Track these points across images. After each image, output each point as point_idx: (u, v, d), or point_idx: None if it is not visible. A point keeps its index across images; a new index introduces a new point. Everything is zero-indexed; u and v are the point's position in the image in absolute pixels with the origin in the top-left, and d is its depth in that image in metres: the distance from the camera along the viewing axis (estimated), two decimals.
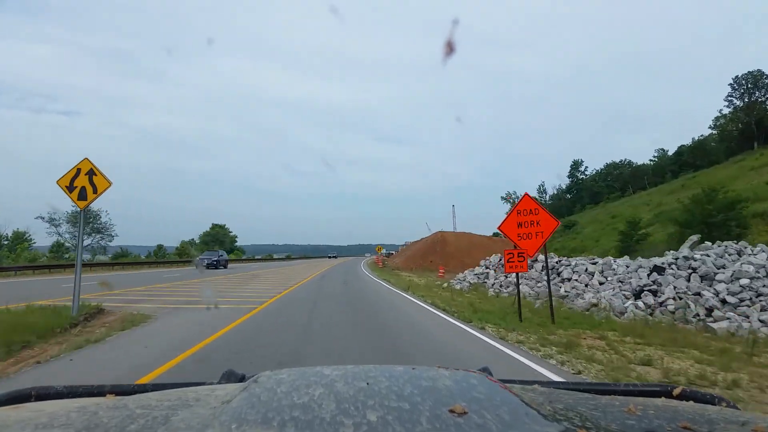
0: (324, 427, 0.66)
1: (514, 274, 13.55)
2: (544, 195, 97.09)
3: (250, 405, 0.76)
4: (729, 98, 65.42)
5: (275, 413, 0.72)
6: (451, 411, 0.72)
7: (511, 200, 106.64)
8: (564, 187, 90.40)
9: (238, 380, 1.12)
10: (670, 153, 79.43)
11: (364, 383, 0.85)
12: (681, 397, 1.02)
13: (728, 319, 8.56)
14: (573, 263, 14.60)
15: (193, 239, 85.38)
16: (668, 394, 1.03)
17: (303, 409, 0.73)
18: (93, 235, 52.22)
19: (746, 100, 64.06)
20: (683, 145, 74.27)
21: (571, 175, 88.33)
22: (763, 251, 10.73)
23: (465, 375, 0.96)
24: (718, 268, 10.44)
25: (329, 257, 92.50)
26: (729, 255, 11.11)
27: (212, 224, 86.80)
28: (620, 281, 11.73)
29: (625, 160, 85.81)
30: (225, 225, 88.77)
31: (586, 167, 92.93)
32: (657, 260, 11.91)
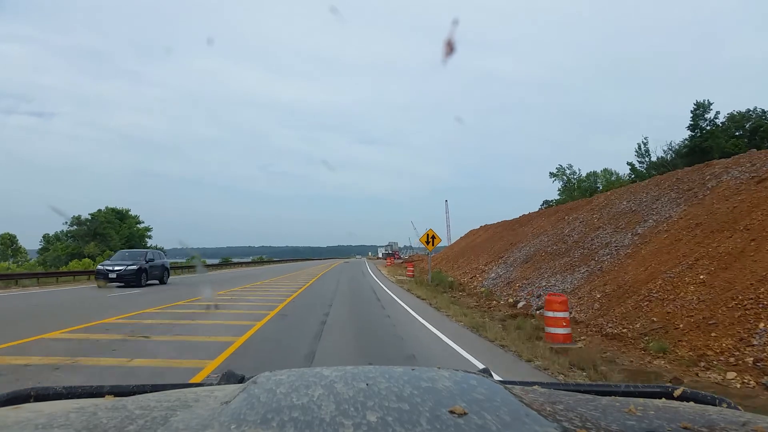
0: (324, 428, 0.66)
1: None
2: (645, 158, 60.28)
3: (250, 406, 0.76)
4: None
5: (274, 414, 0.72)
6: (451, 412, 0.72)
7: (566, 176, 71.03)
8: (677, 145, 53.32)
9: (238, 381, 1.11)
10: None
11: (363, 384, 0.84)
12: (681, 398, 1.01)
13: None
14: None
15: (58, 232, 50.07)
16: (669, 395, 1.02)
17: (302, 409, 0.73)
18: None
19: None
20: None
21: (693, 126, 53.28)
22: None
23: (465, 376, 0.95)
24: None
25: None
26: None
27: (105, 207, 51.35)
28: None
29: (756, 108, 54.36)
30: (129, 210, 54.26)
31: (717, 113, 52.84)
32: None
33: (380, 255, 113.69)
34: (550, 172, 74.78)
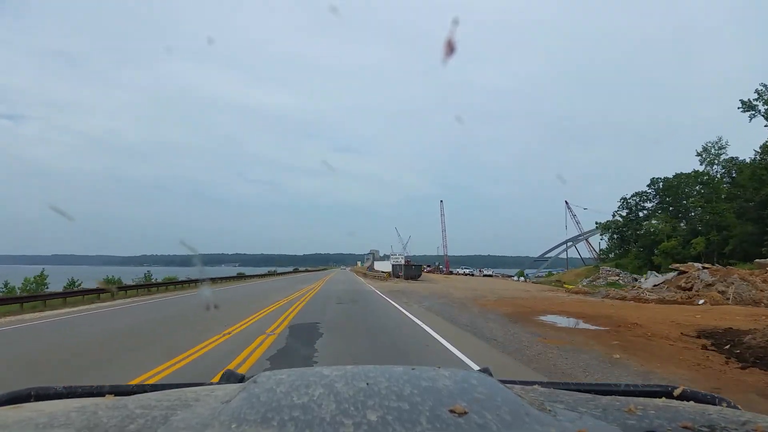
0: (324, 427, 0.66)
1: None
2: None
3: (250, 405, 0.76)
4: None
5: (275, 413, 0.72)
6: (452, 411, 0.72)
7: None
8: None
9: (238, 380, 1.12)
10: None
11: (363, 383, 0.84)
12: (681, 397, 1.01)
13: None
14: None
15: None
16: (669, 395, 1.03)
17: (303, 409, 0.73)
18: None
19: None
20: None
21: None
22: None
23: (465, 375, 0.95)
24: None
25: None
26: None
27: None
28: None
29: None
30: None
31: None
32: None
33: (385, 269, 56.66)
34: (741, 101, 39.73)
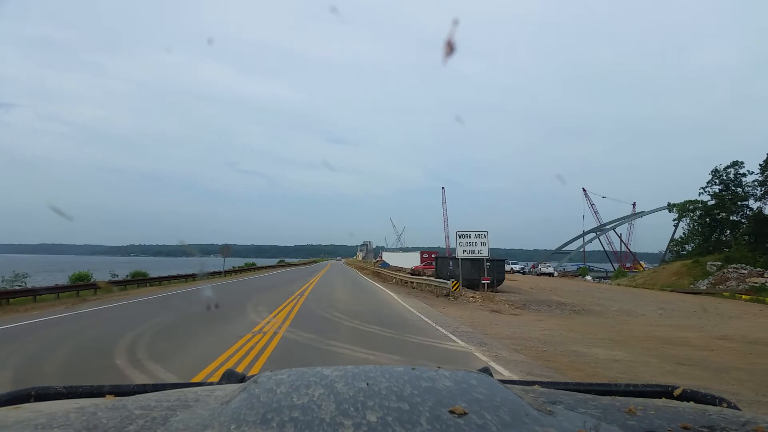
0: (323, 428, 0.66)
1: None
2: None
3: (250, 406, 0.76)
4: None
5: (274, 414, 0.72)
6: (451, 411, 0.72)
7: None
8: None
9: (238, 380, 1.12)
10: None
11: (363, 384, 0.84)
12: (682, 397, 1.02)
13: None
14: None
15: None
16: (669, 395, 1.03)
17: (302, 409, 0.73)
18: None
19: None
20: None
21: None
22: None
23: (465, 375, 0.95)
24: None
25: None
26: None
27: None
28: None
29: None
30: None
31: None
32: None
33: (403, 263, 47.25)
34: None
